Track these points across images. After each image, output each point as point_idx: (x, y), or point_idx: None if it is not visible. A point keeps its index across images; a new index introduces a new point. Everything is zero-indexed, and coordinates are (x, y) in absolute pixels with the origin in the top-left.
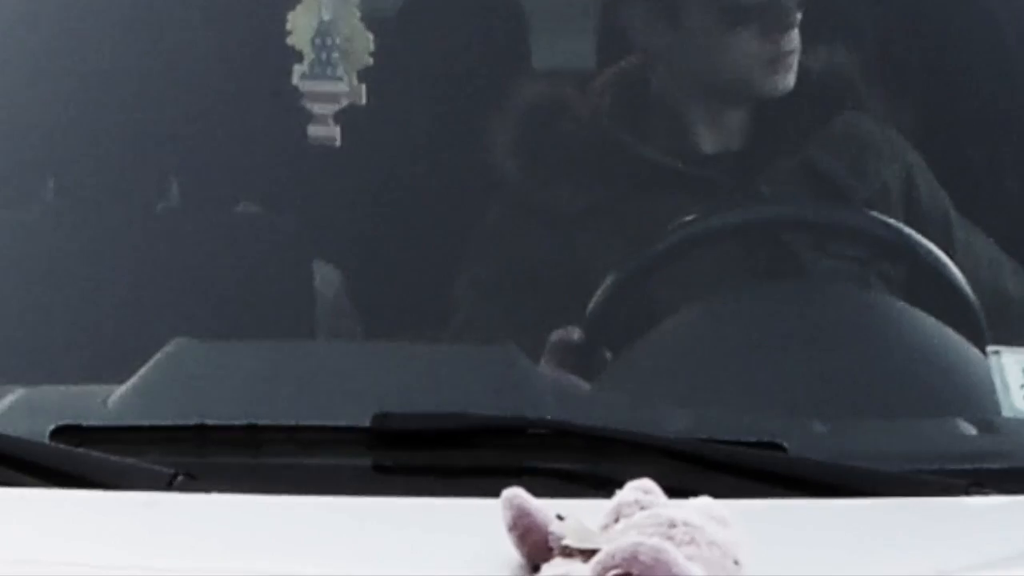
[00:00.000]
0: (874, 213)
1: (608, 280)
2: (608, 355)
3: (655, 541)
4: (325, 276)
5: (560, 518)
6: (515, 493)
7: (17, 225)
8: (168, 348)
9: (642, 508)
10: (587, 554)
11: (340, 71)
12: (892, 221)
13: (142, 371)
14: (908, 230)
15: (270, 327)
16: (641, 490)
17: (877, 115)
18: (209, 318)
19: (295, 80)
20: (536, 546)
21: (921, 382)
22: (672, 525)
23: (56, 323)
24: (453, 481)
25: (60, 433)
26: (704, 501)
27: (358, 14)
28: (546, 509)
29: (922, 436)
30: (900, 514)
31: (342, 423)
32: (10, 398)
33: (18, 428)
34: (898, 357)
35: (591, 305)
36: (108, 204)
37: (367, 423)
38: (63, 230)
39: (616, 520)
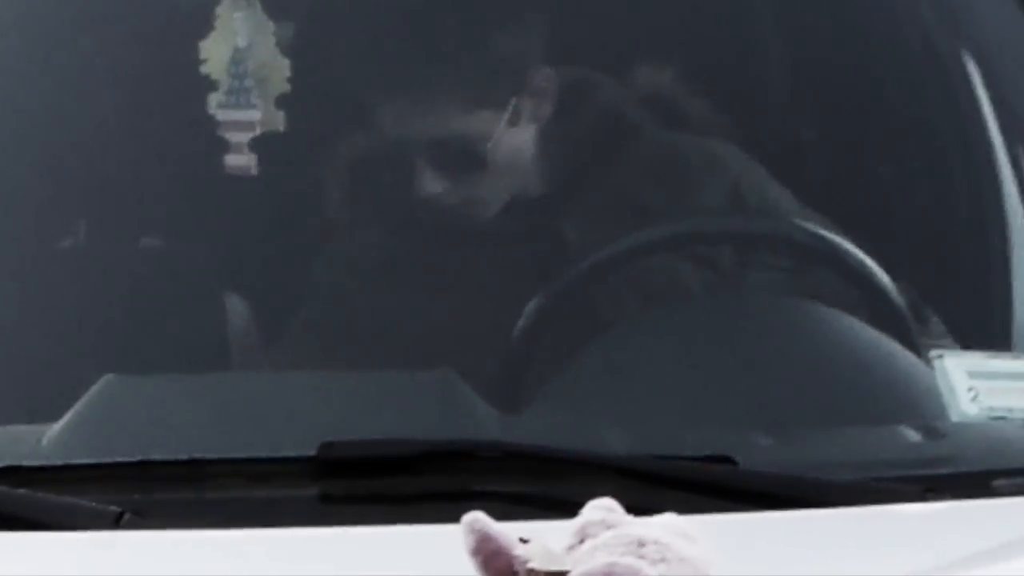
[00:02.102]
0: (798, 221)
1: (535, 300)
2: (541, 375)
3: (629, 560)
4: (234, 307)
5: (524, 541)
6: (476, 517)
7: None
8: (99, 385)
9: (608, 527)
10: None
11: (254, 98)
12: (816, 228)
13: (75, 408)
14: (833, 236)
15: (187, 360)
16: (605, 508)
17: (697, 130)
18: (131, 354)
19: (211, 109)
20: (501, 571)
21: (864, 389)
22: (641, 544)
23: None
24: (402, 508)
25: (0, 475)
26: (669, 518)
27: (274, 40)
28: (509, 532)
29: (871, 444)
30: (855, 523)
31: (287, 453)
32: None
33: None
34: (839, 365)
35: (518, 326)
36: (16, 241)
37: (313, 452)
38: None
39: (582, 541)
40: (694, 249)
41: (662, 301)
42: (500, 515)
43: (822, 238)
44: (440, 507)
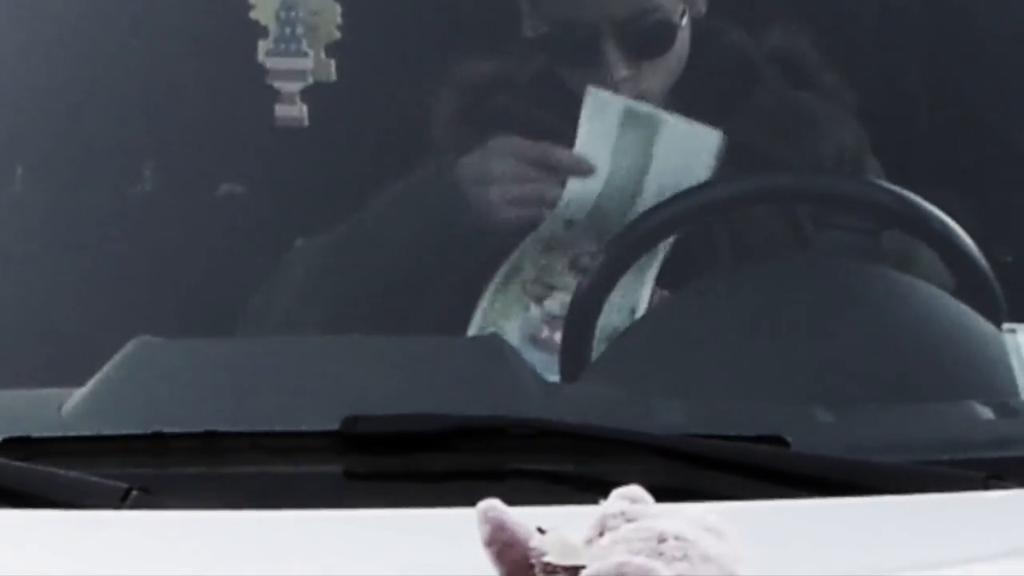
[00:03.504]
0: (882, 182)
1: (595, 262)
2: (595, 345)
3: (641, 560)
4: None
5: (541, 531)
6: (491, 505)
7: None
8: (128, 348)
9: (628, 520)
10: (571, 571)
11: (304, 46)
12: (901, 190)
13: (100, 373)
14: (918, 199)
15: (226, 324)
16: (628, 499)
17: (816, 91)
18: (183, 311)
19: (260, 57)
20: (516, 563)
21: (933, 365)
22: (662, 539)
23: (18, 321)
24: (430, 486)
25: (8, 446)
26: (698, 510)
27: None
28: (526, 522)
29: (936, 423)
30: (912, 512)
31: (308, 428)
32: None
33: None
34: (909, 337)
35: (575, 291)
36: (80, 191)
37: (336, 427)
38: (30, 220)
39: (601, 533)
40: (763, 209)
41: (724, 265)
42: (534, 496)
43: (903, 199)
44: (470, 486)
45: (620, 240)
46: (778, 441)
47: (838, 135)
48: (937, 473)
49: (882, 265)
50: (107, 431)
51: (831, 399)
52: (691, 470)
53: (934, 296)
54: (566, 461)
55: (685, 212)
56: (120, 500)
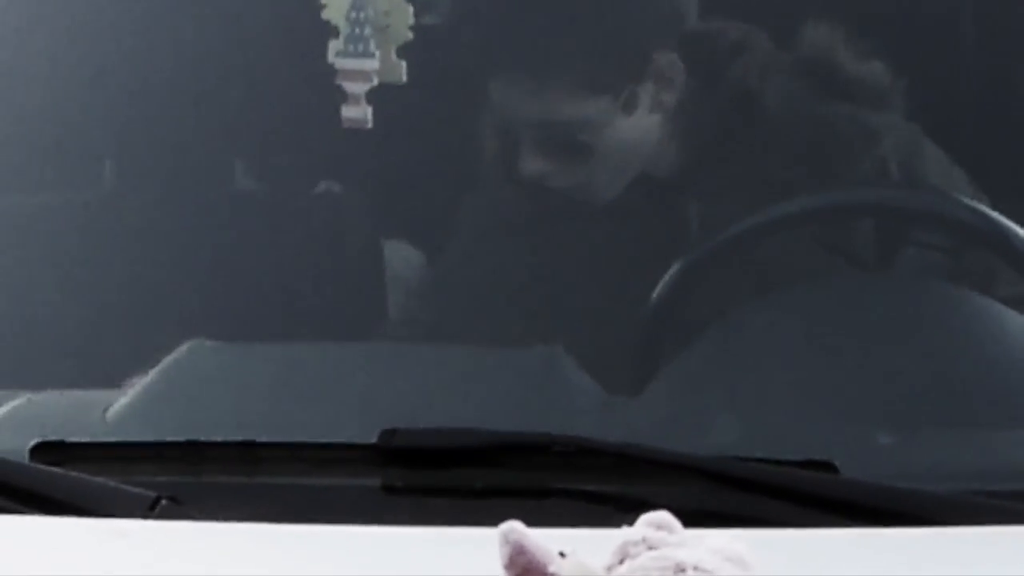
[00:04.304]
0: (960, 197)
1: (665, 278)
2: (657, 360)
3: None
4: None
5: (562, 555)
6: (512, 528)
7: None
8: (181, 350)
9: (650, 547)
10: None
11: (372, 47)
12: (980, 206)
13: (149, 376)
14: (993, 214)
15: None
16: (653, 525)
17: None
18: (238, 314)
19: (330, 57)
20: None
21: (1002, 389)
22: (680, 570)
23: (74, 322)
24: (468, 503)
25: (40, 450)
26: (723, 539)
27: None
28: (547, 546)
29: (997, 450)
30: (967, 545)
31: (345, 439)
32: (5, 407)
33: (4, 441)
34: (974, 360)
35: (649, 304)
36: (171, 189)
37: (373, 440)
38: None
39: (621, 561)
40: (832, 226)
41: (790, 283)
42: (574, 515)
43: (981, 215)
44: (510, 504)
45: (692, 253)
46: (826, 466)
47: (884, 144)
48: (994, 505)
49: (953, 284)
50: (149, 436)
51: (887, 422)
52: (734, 493)
53: (1005, 317)
54: (608, 481)
55: (760, 228)
56: (148, 509)
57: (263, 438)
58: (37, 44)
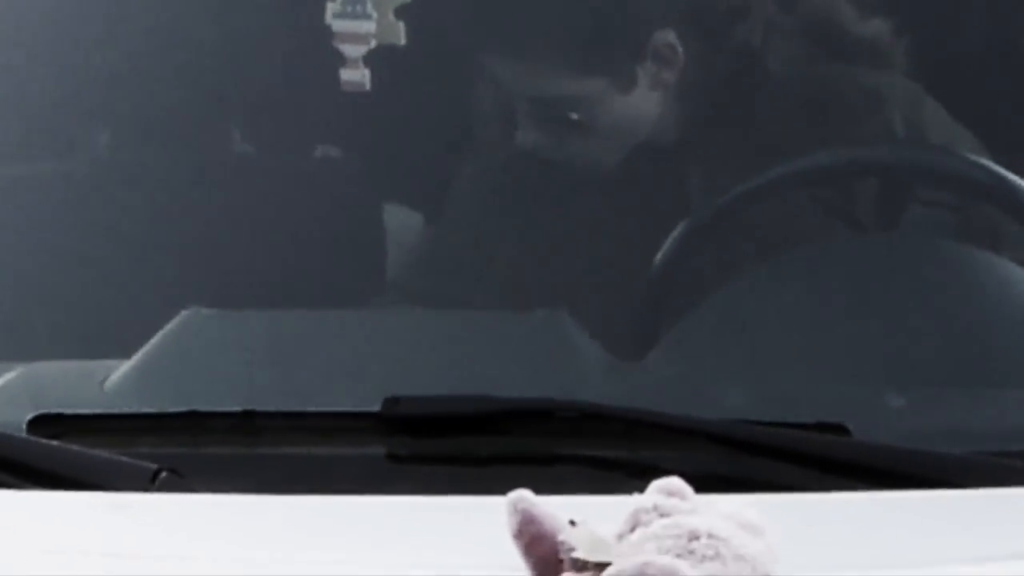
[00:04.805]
0: (970, 155)
1: (670, 239)
2: (664, 322)
3: (665, 561)
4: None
5: (572, 523)
6: (520, 496)
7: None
8: (179, 318)
9: (661, 515)
10: (601, 567)
11: (369, 8)
12: (987, 163)
13: (147, 346)
14: (1004, 172)
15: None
16: (664, 492)
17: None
18: (235, 282)
19: (328, 19)
20: (544, 557)
21: (1014, 349)
22: (693, 537)
23: (71, 291)
24: (473, 471)
25: (38, 423)
26: (735, 505)
27: None
28: (556, 514)
29: (1009, 412)
30: (980, 506)
31: (348, 408)
32: (1, 379)
33: (1, 415)
34: (986, 320)
35: (655, 266)
36: (168, 155)
37: (377, 408)
38: (115, 183)
39: (633, 529)
40: (836, 186)
41: (798, 245)
42: (582, 482)
43: (987, 170)
44: (516, 472)
45: (697, 214)
46: (838, 429)
47: (889, 105)
48: (1008, 466)
49: (964, 243)
50: (148, 407)
51: (899, 384)
52: (744, 458)
53: (1015, 276)
54: (616, 446)
55: (764, 188)
56: (148, 482)
57: (264, 408)
58: (31, 13)
